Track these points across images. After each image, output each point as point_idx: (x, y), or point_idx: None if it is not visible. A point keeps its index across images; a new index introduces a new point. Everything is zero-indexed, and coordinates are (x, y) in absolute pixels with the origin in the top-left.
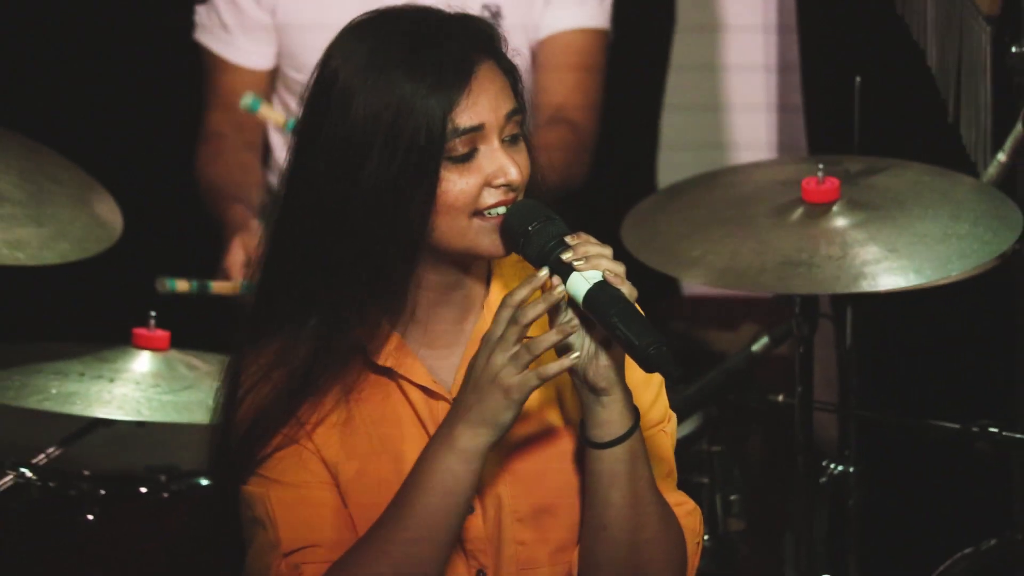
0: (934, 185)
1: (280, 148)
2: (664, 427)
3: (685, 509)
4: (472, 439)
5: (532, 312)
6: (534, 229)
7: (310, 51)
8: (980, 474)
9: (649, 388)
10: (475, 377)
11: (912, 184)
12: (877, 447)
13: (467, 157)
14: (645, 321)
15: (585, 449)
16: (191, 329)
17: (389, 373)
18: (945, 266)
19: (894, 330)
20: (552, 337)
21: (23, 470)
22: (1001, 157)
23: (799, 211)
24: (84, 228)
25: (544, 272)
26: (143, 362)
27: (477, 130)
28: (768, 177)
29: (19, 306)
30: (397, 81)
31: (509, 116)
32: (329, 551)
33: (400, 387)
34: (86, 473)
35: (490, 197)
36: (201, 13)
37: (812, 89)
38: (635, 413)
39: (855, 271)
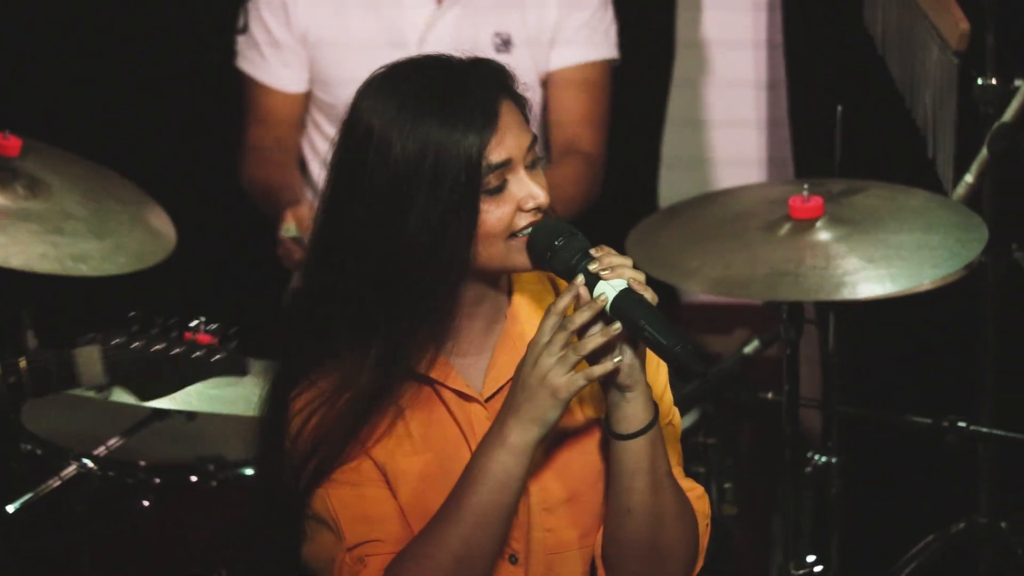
0: (908, 203)
1: (313, 162)
2: (671, 420)
3: (696, 494)
4: (522, 435)
5: (579, 319)
6: (560, 244)
7: (335, 71)
8: (949, 464)
9: (656, 385)
10: (524, 379)
11: (888, 202)
12: (857, 440)
13: (500, 188)
14: (669, 323)
15: (609, 441)
16: (237, 332)
17: (428, 380)
18: (918, 276)
19: (872, 334)
20: (598, 339)
21: (85, 461)
22: (968, 178)
23: (786, 227)
24: (141, 242)
25: (581, 280)
26: None
27: (506, 164)
28: (758, 197)
29: (84, 312)
30: (432, 128)
31: (530, 147)
32: (391, 544)
33: (436, 391)
34: (142, 463)
35: (522, 220)
36: (241, 42)
37: (798, 110)
38: (655, 408)
39: (837, 280)
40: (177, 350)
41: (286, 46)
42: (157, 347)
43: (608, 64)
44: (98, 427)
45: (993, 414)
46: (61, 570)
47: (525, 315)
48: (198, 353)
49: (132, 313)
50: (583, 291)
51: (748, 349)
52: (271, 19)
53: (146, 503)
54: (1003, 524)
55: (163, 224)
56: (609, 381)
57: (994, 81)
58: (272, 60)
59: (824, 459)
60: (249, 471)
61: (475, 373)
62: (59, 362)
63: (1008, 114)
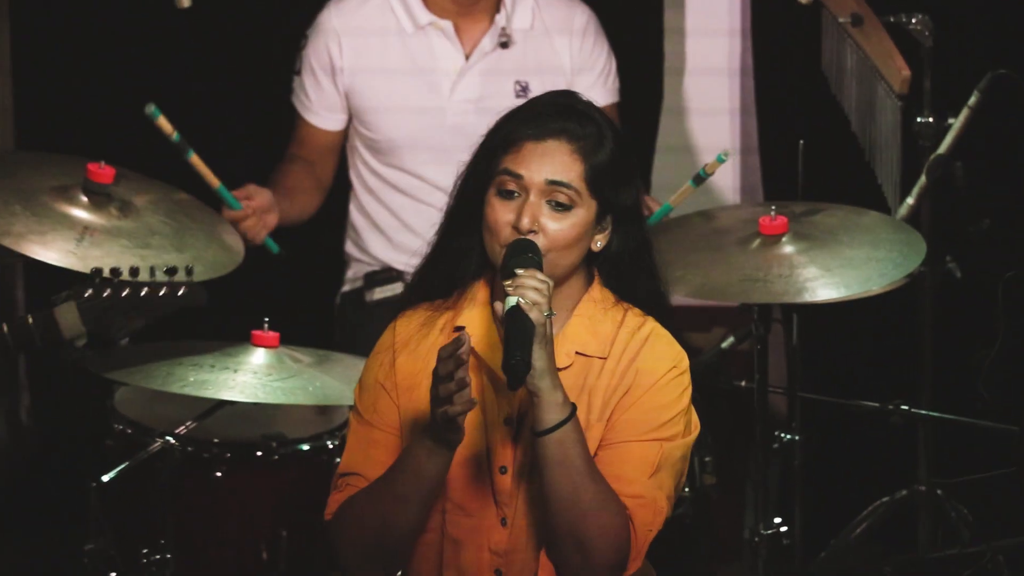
0: (859, 221)
1: (358, 184)
2: (660, 437)
3: (640, 502)
4: (435, 448)
5: (443, 369)
6: (508, 262)
7: (380, 117)
8: (894, 440)
9: (654, 410)
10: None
11: (842, 221)
12: (816, 420)
13: (509, 195)
14: (521, 341)
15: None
16: (296, 332)
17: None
18: (867, 283)
19: (830, 331)
20: (450, 387)
21: (168, 438)
22: (910, 201)
23: (757, 241)
24: (215, 254)
25: (463, 336)
26: (259, 357)
27: (517, 177)
28: (733, 216)
29: (224, 309)
30: (503, 122)
31: (550, 182)
32: (366, 482)
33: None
34: (215, 440)
35: (511, 236)
36: (295, 82)
37: (766, 142)
38: (566, 412)
39: (799, 286)
40: (144, 291)
41: (329, 93)
42: (126, 292)
43: (614, 106)
44: (179, 411)
45: (931, 399)
46: (147, 530)
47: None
48: (164, 291)
49: (94, 267)
50: (466, 343)
51: (725, 344)
52: (319, 70)
53: (219, 474)
54: (939, 491)
55: (233, 240)
56: (526, 389)
57: (931, 119)
58: (316, 103)
59: (789, 437)
60: (305, 447)
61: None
62: (39, 321)
63: (943, 147)
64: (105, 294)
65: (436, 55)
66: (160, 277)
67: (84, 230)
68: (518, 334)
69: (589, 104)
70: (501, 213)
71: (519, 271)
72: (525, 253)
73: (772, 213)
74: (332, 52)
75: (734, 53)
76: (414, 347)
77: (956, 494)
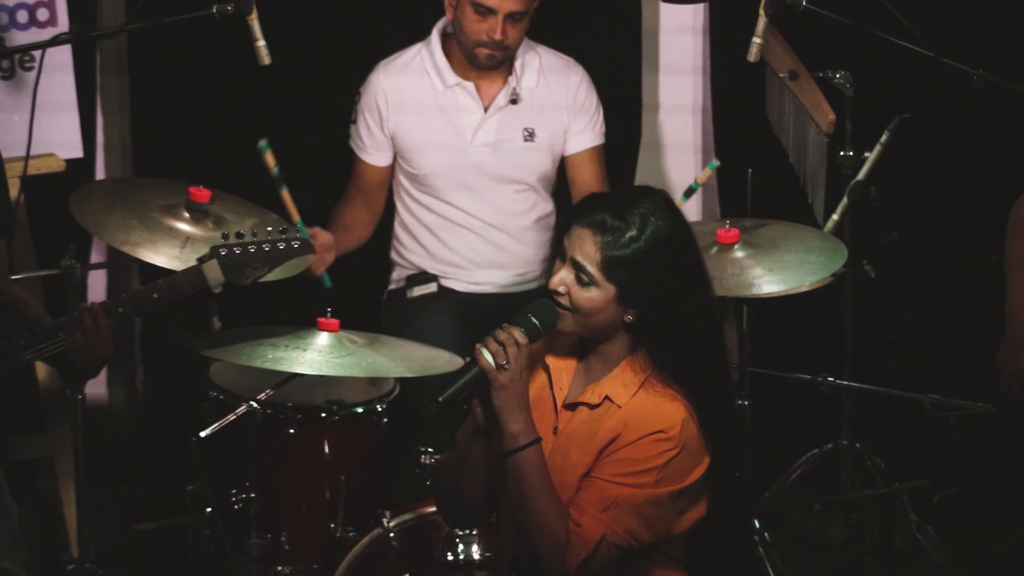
0: (795, 233)
1: (401, 206)
2: (625, 483)
3: (577, 530)
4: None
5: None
6: (515, 315)
7: (417, 155)
8: (822, 405)
9: (628, 461)
10: None
11: (782, 232)
12: (762, 389)
13: (563, 259)
14: (453, 388)
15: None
16: (352, 320)
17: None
18: (801, 280)
19: (771, 318)
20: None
21: (252, 403)
22: (835, 217)
23: (715, 248)
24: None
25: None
26: (323, 339)
27: (567, 259)
28: (697, 229)
29: (250, 304)
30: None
31: (574, 262)
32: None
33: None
34: (288, 405)
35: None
36: (352, 129)
37: (723, 169)
38: (518, 443)
39: (748, 283)
40: (268, 246)
41: (378, 137)
42: (254, 248)
43: (601, 146)
44: (260, 381)
45: (851, 372)
46: (235, 475)
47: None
48: (282, 245)
49: (224, 232)
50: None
51: None
52: (370, 118)
53: (291, 431)
54: (857, 445)
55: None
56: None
57: (851, 153)
58: (368, 146)
59: (740, 402)
60: (359, 410)
61: (572, 392)
62: (190, 274)
63: (860, 175)
64: (238, 251)
65: (461, 108)
66: (275, 236)
67: (186, 240)
68: (456, 374)
69: (634, 198)
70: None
71: (504, 325)
72: (529, 312)
73: (727, 226)
74: (380, 104)
75: (697, 93)
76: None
77: (871, 448)
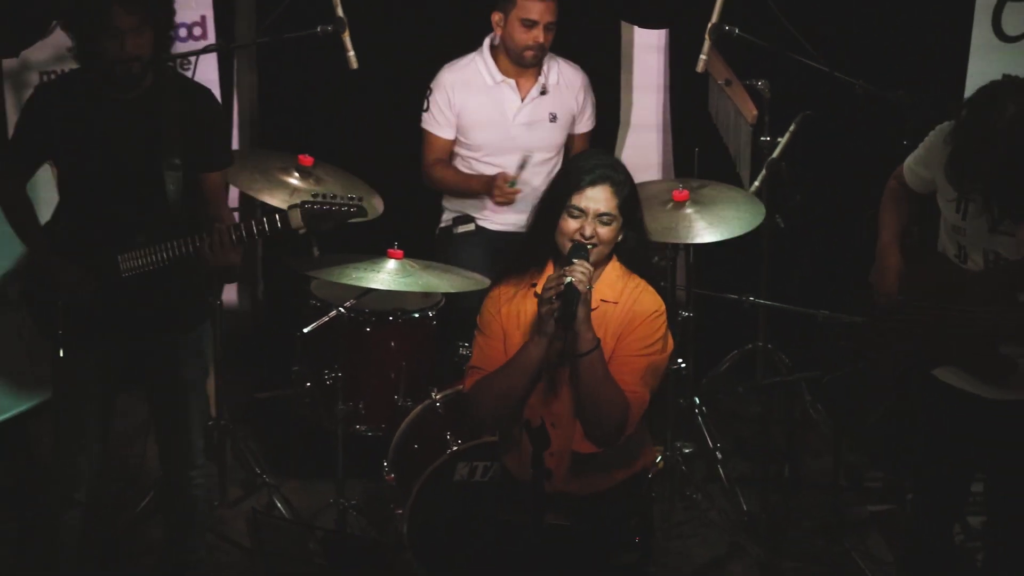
0: (728, 194)
1: (459, 165)
2: (646, 354)
3: (633, 396)
4: (537, 336)
5: (546, 291)
6: (570, 254)
7: (473, 130)
8: (745, 316)
9: (642, 338)
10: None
11: (720, 193)
12: (703, 305)
13: (576, 214)
14: (569, 302)
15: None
16: (413, 249)
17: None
18: (732, 230)
19: (710, 256)
20: (548, 306)
21: (340, 309)
22: (756, 184)
23: (670, 204)
24: (368, 207)
25: (565, 273)
26: (391, 264)
27: (581, 210)
28: (656, 188)
29: (340, 238)
30: (568, 175)
31: (600, 215)
32: (485, 372)
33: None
34: (366, 311)
35: (574, 238)
36: (427, 114)
37: (679, 150)
38: (594, 344)
39: (694, 232)
40: (342, 207)
41: (447, 116)
42: (330, 205)
43: (591, 132)
44: (346, 293)
45: (766, 293)
46: (328, 360)
47: (601, 287)
48: (345, 208)
49: (315, 192)
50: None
51: (656, 261)
52: (442, 102)
53: (368, 329)
54: (769, 346)
55: (377, 202)
56: (573, 330)
57: (768, 138)
58: (441, 123)
59: (686, 314)
60: (416, 315)
61: None
62: (282, 216)
63: (775, 153)
64: (316, 206)
65: (505, 97)
66: (343, 201)
67: (292, 191)
68: (570, 299)
69: (617, 160)
70: (567, 224)
71: (575, 260)
72: (581, 251)
73: (680, 186)
74: (449, 92)
75: (660, 82)
76: (509, 299)
77: (779, 347)
